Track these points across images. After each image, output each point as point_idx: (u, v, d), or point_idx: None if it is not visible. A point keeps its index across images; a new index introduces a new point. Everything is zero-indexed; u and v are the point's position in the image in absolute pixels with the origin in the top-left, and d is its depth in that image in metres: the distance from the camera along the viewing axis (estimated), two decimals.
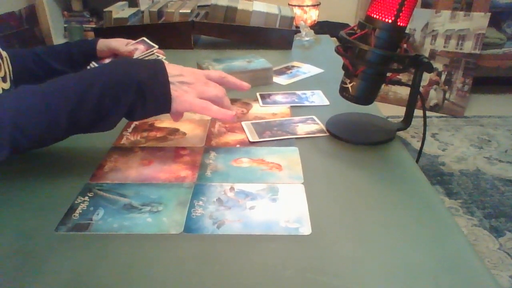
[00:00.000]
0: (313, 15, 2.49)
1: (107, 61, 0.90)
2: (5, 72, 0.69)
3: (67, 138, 0.57)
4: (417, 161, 0.65)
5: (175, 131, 0.71)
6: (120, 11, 1.25)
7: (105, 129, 0.56)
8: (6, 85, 0.69)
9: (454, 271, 0.42)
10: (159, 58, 0.91)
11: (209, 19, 1.20)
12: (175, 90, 0.56)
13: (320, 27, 2.56)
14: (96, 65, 0.89)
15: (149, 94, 0.55)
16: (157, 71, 0.56)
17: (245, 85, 0.65)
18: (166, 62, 0.58)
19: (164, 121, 0.74)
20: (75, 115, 0.53)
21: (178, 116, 0.60)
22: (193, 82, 0.58)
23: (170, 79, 0.56)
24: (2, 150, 0.51)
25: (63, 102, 0.52)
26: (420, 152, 0.74)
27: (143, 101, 0.55)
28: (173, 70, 0.57)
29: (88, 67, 0.88)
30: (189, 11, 1.20)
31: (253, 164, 0.61)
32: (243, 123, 0.73)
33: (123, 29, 1.18)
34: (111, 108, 0.54)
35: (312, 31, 1.32)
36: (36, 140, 0.53)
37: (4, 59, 0.70)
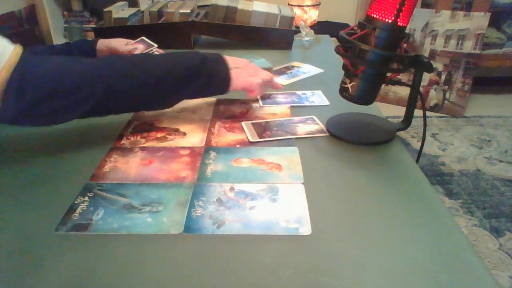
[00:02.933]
0: (313, 15, 2.49)
1: None
2: None
3: (67, 138, 0.57)
4: (417, 161, 0.64)
5: (175, 131, 0.71)
6: (120, 11, 1.25)
7: (171, 105, 0.70)
8: None
9: (454, 271, 0.42)
10: None
11: (209, 19, 1.20)
12: (233, 73, 0.70)
13: (320, 27, 2.56)
14: None
15: (215, 78, 0.69)
16: (220, 60, 0.70)
17: (279, 85, 0.83)
18: (224, 55, 0.71)
19: (164, 121, 0.74)
20: (160, 84, 0.64)
21: (253, 93, 0.75)
22: (245, 67, 0.73)
23: (229, 65, 0.70)
24: (90, 102, 0.58)
25: (153, 70, 0.63)
26: (420, 152, 0.74)
27: (210, 83, 0.69)
28: (230, 59, 0.72)
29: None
30: (189, 11, 1.20)
31: (253, 164, 0.61)
32: (243, 123, 0.73)
33: (123, 29, 1.18)
34: (187, 86, 0.66)
35: (312, 31, 1.32)
36: (119, 101, 0.62)
37: None
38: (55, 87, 0.56)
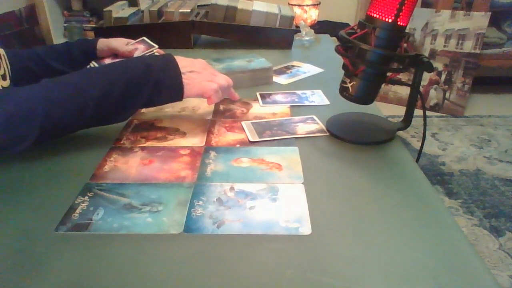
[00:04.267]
0: (313, 14, 2.48)
1: (107, 61, 0.90)
2: (5, 70, 0.69)
3: (67, 138, 0.56)
4: (417, 161, 0.64)
5: (175, 131, 0.71)
6: (120, 11, 1.25)
7: (123, 119, 0.65)
8: (6, 83, 0.69)
9: (454, 271, 0.42)
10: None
11: (209, 19, 1.20)
12: (185, 79, 0.64)
13: (320, 27, 2.56)
14: (96, 65, 0.89)
15: (163, 87, 0.63)
16: (170, 66, 0.64)
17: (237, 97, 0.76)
18: (177, 56, 0.66)
19: (164, 121, 0.74)
20: (101, 103, 0.59)
21: (210, 100, 0.67)
22: (201, 71, 0.67)
23: (182, 69, 0.64)
24: (29, 139, 0.55)
25: (92, 90, 0.59)
26: (420, 152, 0.74)
27: (158, 93, 0.63)
28: (183, 62, 0.65)
29: (88, 67, 0.88)
30: (189, 10, 1.20)
31: (253, 164, 0.61)
32: (243, 123, 0.73)
33: (123, 29, 1.18)
34: (132, 99, 0.62)
35: (312, 31, 1.32)
36: (61, 129, 0.60)
37: (2, 56, 0.70)
38: None
